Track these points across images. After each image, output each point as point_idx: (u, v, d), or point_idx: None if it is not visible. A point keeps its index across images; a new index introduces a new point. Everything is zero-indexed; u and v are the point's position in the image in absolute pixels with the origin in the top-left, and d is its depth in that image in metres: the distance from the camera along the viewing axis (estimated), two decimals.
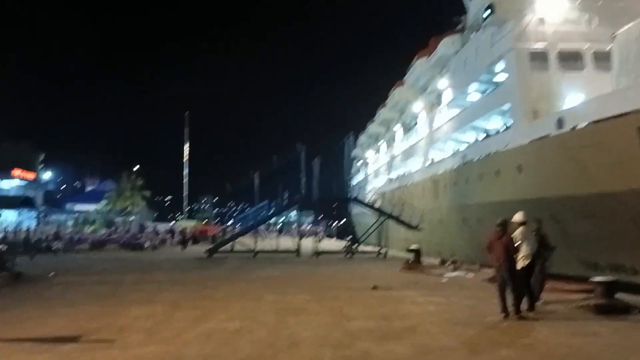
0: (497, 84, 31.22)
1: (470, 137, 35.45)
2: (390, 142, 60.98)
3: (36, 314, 10.77)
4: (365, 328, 9.12)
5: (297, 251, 30.16)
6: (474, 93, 35.07)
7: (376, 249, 31.98)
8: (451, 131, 38.01)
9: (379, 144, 67.32)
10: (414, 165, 48.23)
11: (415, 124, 49.51)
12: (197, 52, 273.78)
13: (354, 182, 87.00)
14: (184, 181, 75.97)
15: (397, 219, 31.39)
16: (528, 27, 26.86)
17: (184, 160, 76.04)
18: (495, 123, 31.80)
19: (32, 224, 55.74)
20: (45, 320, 10.06)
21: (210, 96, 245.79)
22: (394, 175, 56.79)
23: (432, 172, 40.83)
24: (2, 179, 59.10)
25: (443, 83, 39.51)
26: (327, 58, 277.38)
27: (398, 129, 57.04)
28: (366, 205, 33.46)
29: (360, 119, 74.42)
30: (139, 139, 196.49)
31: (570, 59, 26.37)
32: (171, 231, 54.47)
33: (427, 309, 11.20)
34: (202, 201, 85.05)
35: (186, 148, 76.02)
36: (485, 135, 32.55)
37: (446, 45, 39.12)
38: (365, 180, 76.53)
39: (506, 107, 28.51)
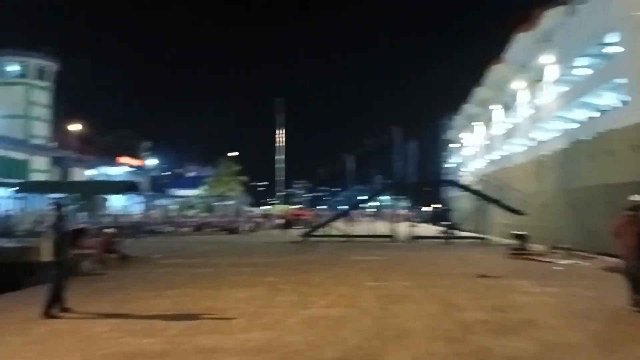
0: (608, 57, 28.75)
1: (578, 115, 33.02)
2: (488, 123, 58.48)
3: (142, 296, 10.99)
4: (478, 320, 8.42)
5: (393, 236, 29.49)
6: (582, 68, 32.57)
7: (475, 234, 30.68)
8: (556, 109, 35.60)
9: (475, 125, 64.82)
10: (514, 146, 45.90)
11: (516, 103, 47.03)
12: (292, 36, 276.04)
13: (449, 165, 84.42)
14: (278, 166, 77.17)
15: (499, 203, 29.82)
16: None
17: (278, 145, 77.19)
18: (607, 99, 29.36)
19: (139, 208, 58.94)
20: (150, 302, 10.21)
21: (304, 80, 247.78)
22: (492, 157, 54.48)
23: (535, 154, 38.60)
24: (110, 166, 62.70)
25: (547, 58, 36.98)
26: (423, 37, 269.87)
27: (496, 108, 54.56)
28: (466, 188, 32.03)
29: (455, 100, 71.79)
30: (236, 125, 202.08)
31: None
32: (266, 215, 55.52)
33: (544, 300, 10.27)
34: (296, 186, 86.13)
35: (280, 133, 77.05)
36: (596, 112, 30.15)
37: (551, 17, 36.54)
38: (461, 164, 74.07)
39: (620, 81, 26.14)
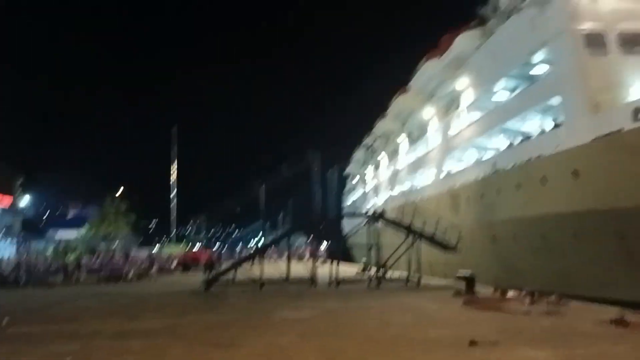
0: (534, 78, 27.16)
1: (498, 142, 31.17)
2: (393, 156, 56.59)
3: None
4: None
5: (313, 280, 25.30)
6: (502, 91, 30.96)
7: (398, 274, 27.22)
8: (473, 137, 33.70)
9: (378, 158, 62.87)
10: (424, 178, 43.77)
11: (423, 133, 45.27)
12: (185, 61, 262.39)
13: (349, 201, 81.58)
14: (171, 203, 70.90)
15: (431, 239, 26.54)
16: (580, 5, 22.84)
17: (172, 180, 71.10)
18: (532, 124, 27.62)
19: (11, 252, 50.66)
20: None
21: (201, 107, 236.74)
22: (397, 191, 52.05)
23: (448, 185, 36.36)
24: None
25: (461, 83, 35.34)
26: (331, 63, 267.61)
27: (402, 140, 52.90)
28: (394, 223, 28.55)
29: (359, 133, 69.90)
30: (124, 159, 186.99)
31: (634, 41, 22.31)
32: (158, 257, 49.20)
33: None
34: (193, 223, 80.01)
35: (174, 167, 71.17)
36: (522, 138, 28.22)
37: (464, 41, 35.02)
38: (362, 198, 71.49)
39: (554, 102, 24.33)
